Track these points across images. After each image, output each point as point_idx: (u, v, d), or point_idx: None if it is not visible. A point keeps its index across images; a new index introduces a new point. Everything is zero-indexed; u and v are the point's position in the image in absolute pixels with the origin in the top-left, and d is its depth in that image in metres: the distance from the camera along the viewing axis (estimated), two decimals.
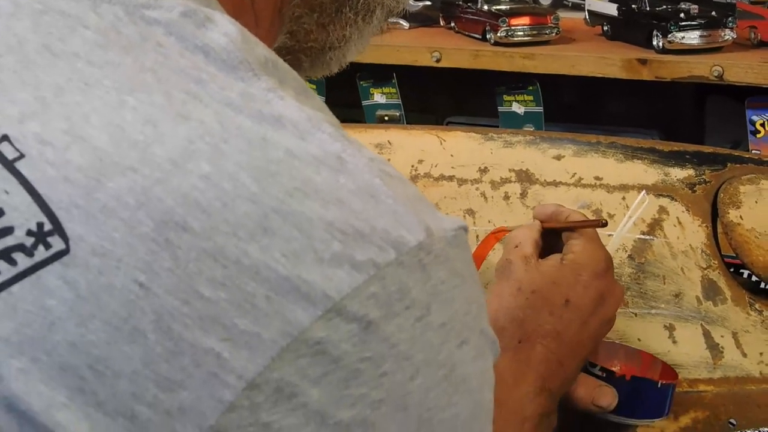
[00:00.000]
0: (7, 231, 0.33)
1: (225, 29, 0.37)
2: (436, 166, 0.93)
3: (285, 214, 0.33)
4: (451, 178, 0.92)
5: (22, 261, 0.33)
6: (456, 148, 0.94)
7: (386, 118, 1.35)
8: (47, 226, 0.33)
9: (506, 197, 0.91)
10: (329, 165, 0.35)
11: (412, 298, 0.35)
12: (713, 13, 1.32)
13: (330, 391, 0.33)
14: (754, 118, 1.31)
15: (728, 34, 1.30)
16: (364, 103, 1.37)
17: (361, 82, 1.38)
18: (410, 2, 1.44)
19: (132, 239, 0.32)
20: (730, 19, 1.31)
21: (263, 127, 0.35)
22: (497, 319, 0.67)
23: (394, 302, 0.34)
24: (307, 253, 0.33)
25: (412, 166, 0.92)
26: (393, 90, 1.37)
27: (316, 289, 0.33)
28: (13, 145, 0.34)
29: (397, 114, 1.37)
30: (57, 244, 0.33)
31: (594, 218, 0.74)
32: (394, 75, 1.36)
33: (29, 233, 0.33)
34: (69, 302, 0.32)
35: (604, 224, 0.72)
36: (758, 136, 1.31)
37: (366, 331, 0.33)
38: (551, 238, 0.74)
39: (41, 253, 0.33)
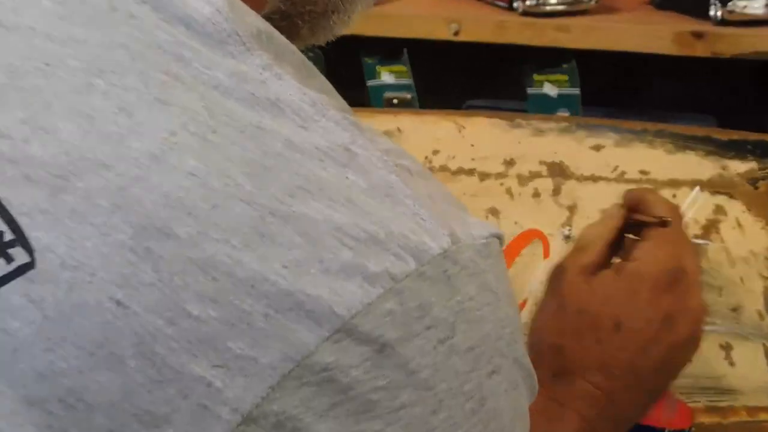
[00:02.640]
0: None
1: None
2: (453, 157, 0.94)
3: (285, 217, 0.34)
4: (471, 171, 0.94)
5: None
6: (477, 136, 0.95)
7: (395, 101, 1.35)
8: (7, 236, 0.32)
9: (536, 194, 0.93)
10: (337, 159, 0.35)
11: (434, 316, 0.35)
12: None
13: (339, 427, 0.33)
14: None
15: None
16: (369, 83, 1.37)
17: (366, 59, 1.38)
18: None
19: (107, 249, 0.32)
20: None
21: (258, 114, 0.35)
22: (532, 344, 0.65)
23: (414, 321, 0.34)
24: (311, 264, 0.33)
25: (426, 157, 0.93)
26: (403, 68, 1.37)
27: (323, 305, 0.33)
28: None
29: (409, 96, 1.37)
30: (20, 256, 0.32)
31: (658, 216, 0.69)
32: (405, 50, 1.36)
33: None
34: (35, 324, 0.32)
35: (666, 224, 0.68)
36: None
37: (381, 355, 0.34)
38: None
39: (1, 267, 0.32)
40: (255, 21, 0.38)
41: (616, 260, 0.69)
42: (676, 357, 0.66)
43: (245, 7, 0.39)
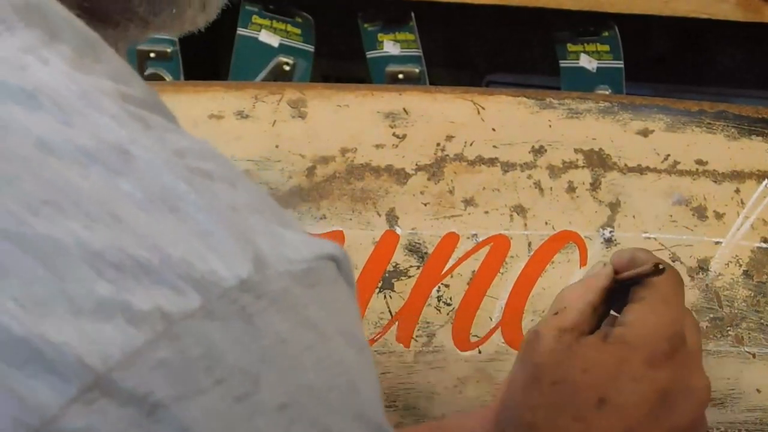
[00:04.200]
0: None
1: None
2: (471, 144, 0.93)
3: (23, 241, 0.32)
4: (492, 161, 0.92)
5: None
6: (500, 119, 0.94)
7: (401, 76, 1.35)
8: None
9: (571, 189, 0.91)
10: (105, 162, 0.34)
11: (228, 366, 0.33)
12: None
13: None
14: None
15: None
16: (370, 54, 1.37)
17: (366, 25, 1.38)
18: None
19: None
20: None
21: (7, 108, 0.34)
22: (499, 421, 0.65)
23: (198, 373, 0.32)
24: (56, 301, 0.32)
25: (438, 144, 0.92)
26: (410, 36, 1.37)
27: (70, 355, 0.31)
28: None
29: (417, 70, 1.37)
30: None
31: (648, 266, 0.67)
32: (412, 15, 1.36)
33: None
34: None
35: (660, 271, 0.65)
36: None
37: (150, 418, 0.32)
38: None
39: None
40: None
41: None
42: None
43: None
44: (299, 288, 0.35)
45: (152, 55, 1.23)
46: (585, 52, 1.31)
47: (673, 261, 0.88)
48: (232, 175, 0.36)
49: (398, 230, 0.88)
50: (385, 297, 0.87)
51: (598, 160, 0.92)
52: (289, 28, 1.25)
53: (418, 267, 0.87)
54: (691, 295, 0.87)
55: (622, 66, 1.30)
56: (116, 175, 0.33)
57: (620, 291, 0.67)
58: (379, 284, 0.87)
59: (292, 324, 0.34)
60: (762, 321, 0.85)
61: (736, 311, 0.85)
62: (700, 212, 0.88)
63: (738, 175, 0.91)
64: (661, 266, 0.65)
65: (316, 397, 0.35)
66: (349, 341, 0.37)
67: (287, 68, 1.28)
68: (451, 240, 0.88)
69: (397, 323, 0.87)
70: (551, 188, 0.91)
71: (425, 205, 0.89)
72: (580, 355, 0.64)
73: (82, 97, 0.35)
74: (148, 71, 1.23)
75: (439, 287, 0.87)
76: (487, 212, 0.89)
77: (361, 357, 0.37)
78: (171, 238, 0.33)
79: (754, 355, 0.85)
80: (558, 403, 0.63)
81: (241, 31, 1.24)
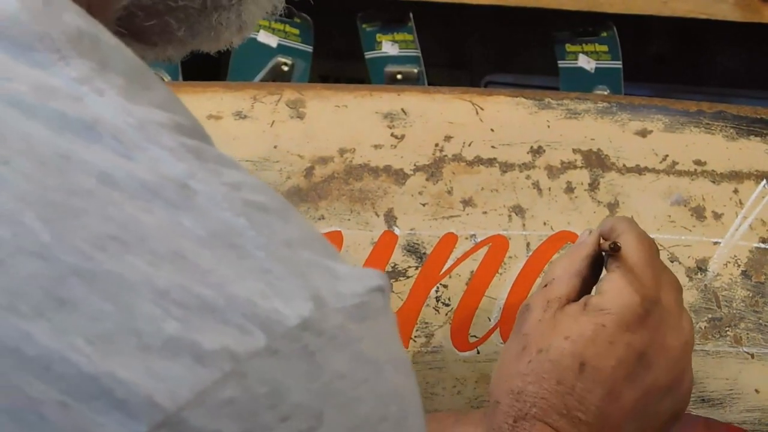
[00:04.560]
0: None
1: None
2: (469, 144, 0.93)
3: (92, 278, 0.32)
4: (491, 161, 0.92)
5: None
6: (498, 119, 0.94)
7: (399, 76, 1.35)
8: None
9: (569, 189, 0.91)
10: (167, 198, 0.34)
11: (292, 403, 0.33)
12: None
13: None
14: None
15: None
16: (368, 55, 1.37)
17: (364, 26, 1.37)
18: None
19: None
20: None
21: (67, 140, 0.34)
22: (491, 392, 0.68)
23: (264, 411, 0.33)
24: (124, 338, 0.32)
25: (436, 145, 0.92)
26: (409, 36, 1.37)
27: (139, 393, 0.32)
28: None
29: (415, 71, 1.37)
30: None
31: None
32: (411, 15, 1.36)
33: None
34: None
35: (615, 250, 0.70)
36: None
37: None
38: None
39: None
40: (75, 19, 0.37)
41: None
42: (658, 404, 0.68)
43: (65, 1, 0.37)
44: (353, 323, 0.36)
45: None
46: (583, 52, 1.31)
47: (672, 261, 0.88)
48: (283, 208, 0.37)
49: (397, 230, 0.88)
50: None
51: (596, 161, 0.92)
52: (288, 28, 1.25)
53: (417, 267, 0.87)
54: (690, 296, 0.87)
55: (621, 66, 1.30)
56: (177, 210, 0.34)
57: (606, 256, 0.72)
58: None
59: (349, 359, 0.35)
60: (760, 321, 0.85)
61: (734, 311, 0.85)
62: (699, 212, 0.88)
63: (736, 176, 0.91)
64: (618, 244, 0.69)
65: (372, 429, 0.36)
66: (398, 368, 0.38)
67: (286, 69, 1.28)
68: (449, 240, 0.88)
69: None
70: (550, 188, 0.91)
71: (424, 205, 0.89)
72: (562, 324, 0.68)
73: (140, 130, 0.35)
74: None
75: (437, 287, 0.87)
76: (485, 212, 0.89)
77: (408, 382, 0.38)
78: (233, 277, 0.33)
79: (752, 356, 0.85)
80: (542, 370, 0.66)
81: None
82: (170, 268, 0.33)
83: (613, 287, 0.68)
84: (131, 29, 0.46)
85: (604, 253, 0.71)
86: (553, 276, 0.71)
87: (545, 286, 0.71)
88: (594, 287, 0.71)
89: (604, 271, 0.72)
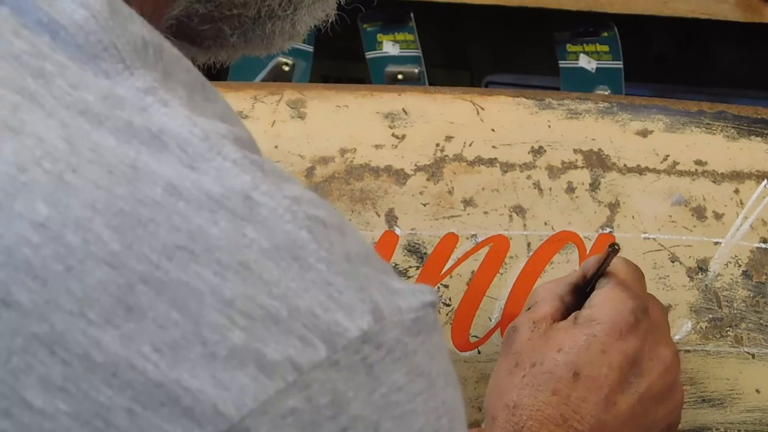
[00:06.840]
0: None
1: None
2: (470, 144, 0.93)
3: (160, 286, 0.33)
4: (491, 162, 0.92)
5: None
6: (499, 119, 0.94)
7: (400, 76, 1.35)
8: None
9: (570, 189, 0.92)
10: (232, 209, 0.34)
11: (352, 415, 0.34)
12: None
13: None
14: None
15: None
16: (369, 55, 1.37)
17: (365, 26, 1.38)
18: None
19: None
20: None
21: (134, 149, 0.34)
22: (487, 409, 0.69)
23: (326, 422, 0.34)
24: (191, 347, 0.32)
25: (437, 144, 0.92)
26: (410, 37, 1.37)
27: (205, 401, 0.32)
28: None
29: (416, 71, 1.37)
30: None
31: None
32: (412, 15, 1.36)
33: None
34: None
35: (615, 250, 0.73)
36: None
37: None
38: None
39: None
40: (140, 30, 0.37)
41: None
42: (653, 412, 0.69)
43: (129, 11, 0.37)
44: (409, 337, 0.36)
45: None
46: (584, 52, 1.31)
47: (673, 261, 0.88)
48: (340, 222, 0.37)
49: (397, 230, 0.88)
50: None
51: (597, 161, 0.92)
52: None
53: (418, 267, 0.88)
54: (691, 296, 0.87)
55: (622, 66, 1.30)
56: (242, 221, 0.34)
57: (590, 290, 0.74)
58: None
59: (405, 372, 0.36)
60: (761, 321, 0.85)
61: (735, 312, 0.85)
62: (700, 213, 0.88)
63: (737, 176, 0.91)
64: (617, 245, 0.73)
65: None
66: (448, 381, 0.38)
67: (286, 69, 1.28)
68: (450, 240, 0.88)
69: None
70: (550, 188, 0.91)
71: (424, 205, 0.89)
72: (555, 338, 0.70)
73: (205, 141, 0.35)
74: None
75: (438, 287, 0.87)
76: (486, 212, 0.89)
77: (456, 394, 0.39)
78: (296, 288, 0.34)
79: (753, 356, 0.85)
80: (538, 382, 0.68)
81: None
82: (235, 279, 0.33)
83: (604, 300, 0.71)
84: (185, 32, 0.47)
85: (596, 277, 0.74)
86: (536, 299, 0.74)
87: (529, 308, 0.73)
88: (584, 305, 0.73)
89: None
